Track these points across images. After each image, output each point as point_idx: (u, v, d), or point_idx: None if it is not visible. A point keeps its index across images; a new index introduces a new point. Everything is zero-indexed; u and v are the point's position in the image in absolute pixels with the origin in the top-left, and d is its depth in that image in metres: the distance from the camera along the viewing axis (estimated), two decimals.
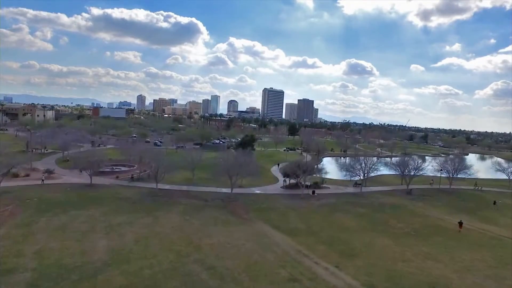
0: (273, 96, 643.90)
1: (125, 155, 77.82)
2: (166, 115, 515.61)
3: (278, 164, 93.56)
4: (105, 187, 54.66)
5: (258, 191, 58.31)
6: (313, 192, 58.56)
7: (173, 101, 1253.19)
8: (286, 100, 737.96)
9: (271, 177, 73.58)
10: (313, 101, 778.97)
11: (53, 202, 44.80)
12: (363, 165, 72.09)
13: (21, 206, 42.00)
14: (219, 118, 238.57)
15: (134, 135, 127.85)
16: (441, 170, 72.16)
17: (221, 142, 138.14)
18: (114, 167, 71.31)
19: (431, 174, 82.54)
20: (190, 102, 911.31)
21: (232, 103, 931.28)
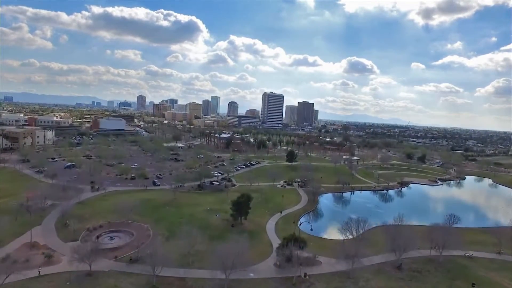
0: (273, 100, 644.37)
1: (124, 216, 79.54)
2: (166, 121, 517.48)
3: (281, 212, 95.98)
4: (104, 276, 56.39)
5: (251, 274, 60.02)
6: (305, 275, 60.32)
7: (173, 101, 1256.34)
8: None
9: (266, 243, 75.19)
10: (313, 103, 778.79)
11: None
12: (357, 228, 74.96)
13: None
14: (218, 135, 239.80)
15: (133, 174, 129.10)
16: (432, 243, 73.47)
17: (219, 176, 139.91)
18: (112, 235, 73.22)
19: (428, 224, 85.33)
20: (190, 103, 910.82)
21: (232, 105, 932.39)
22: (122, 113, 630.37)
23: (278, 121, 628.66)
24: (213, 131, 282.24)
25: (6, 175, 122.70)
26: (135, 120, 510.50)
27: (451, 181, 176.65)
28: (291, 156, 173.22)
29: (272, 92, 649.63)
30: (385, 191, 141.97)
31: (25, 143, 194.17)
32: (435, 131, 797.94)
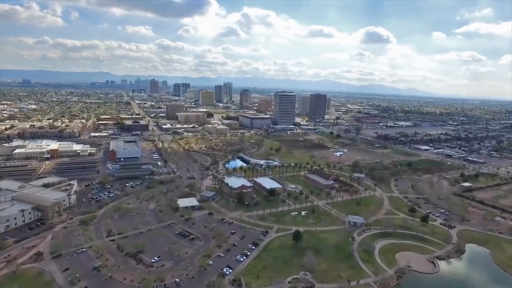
0: (285, 99, 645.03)
1: None
2: (179, 126, 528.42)
3: None
4: None
5: None
6: None
7: (187, 86, 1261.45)
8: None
9: None
10: (325, 95, 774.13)
11: None
12: None
13: None
14: (231, 187, 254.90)
15: (154, 285, 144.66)
16: None
17: (229, 276, 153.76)
18: None
19: None
20: (202, 91, 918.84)
21: (245, 94, 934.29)
22: (136, 115, 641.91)
23: (290, 121, 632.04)
24: (223, 177, 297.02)
25: None
26: (150, 129, 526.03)
27: (451, 259, 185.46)
28: (296, 236, 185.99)
29: (284, 91, 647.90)
30: None
31: (53, 209, 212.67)
32: (452, 129, 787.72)
